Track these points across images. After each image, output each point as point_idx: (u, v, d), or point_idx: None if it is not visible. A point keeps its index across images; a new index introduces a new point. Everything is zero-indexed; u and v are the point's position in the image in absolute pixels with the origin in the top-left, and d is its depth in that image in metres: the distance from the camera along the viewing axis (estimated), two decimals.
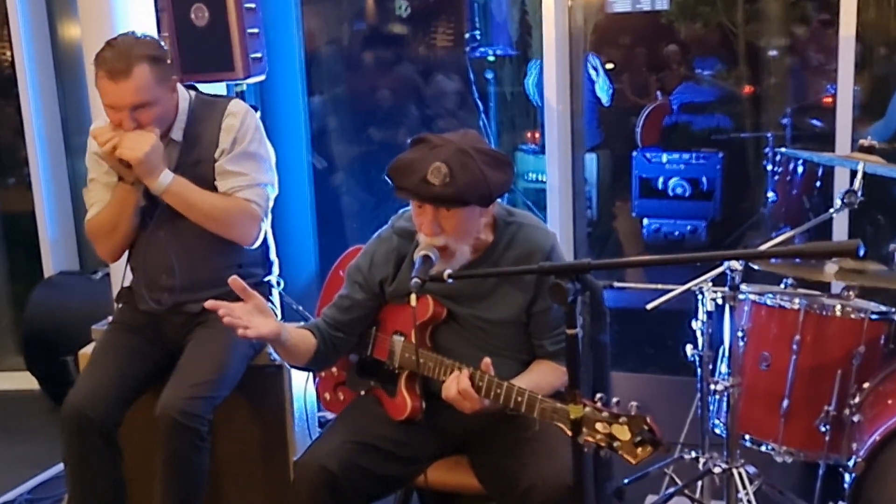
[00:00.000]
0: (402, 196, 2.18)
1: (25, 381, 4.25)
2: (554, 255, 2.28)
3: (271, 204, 2.72)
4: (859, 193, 2.65)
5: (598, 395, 1.84)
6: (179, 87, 2.65)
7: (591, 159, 4.72)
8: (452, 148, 2.10)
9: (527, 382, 2.11)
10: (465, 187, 2.08)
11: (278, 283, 2.90)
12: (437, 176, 2.06)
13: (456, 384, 2.09)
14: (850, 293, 2.70)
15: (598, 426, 1.79)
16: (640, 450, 1.75)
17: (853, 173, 2.72)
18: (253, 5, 3.30)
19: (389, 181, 2.18)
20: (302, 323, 2.41)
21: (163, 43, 2.56)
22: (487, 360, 2.10)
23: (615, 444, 1.77)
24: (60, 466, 3.39)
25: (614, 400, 1.81)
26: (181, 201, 2.56)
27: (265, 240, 2.82)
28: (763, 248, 2.65)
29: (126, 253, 2.75)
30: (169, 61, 2.56)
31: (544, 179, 4.30)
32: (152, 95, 2.47)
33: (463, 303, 2.28)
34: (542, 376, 2.24)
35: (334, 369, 2.54)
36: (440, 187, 2.07)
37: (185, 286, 2.66)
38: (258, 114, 3.61)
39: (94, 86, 2.49)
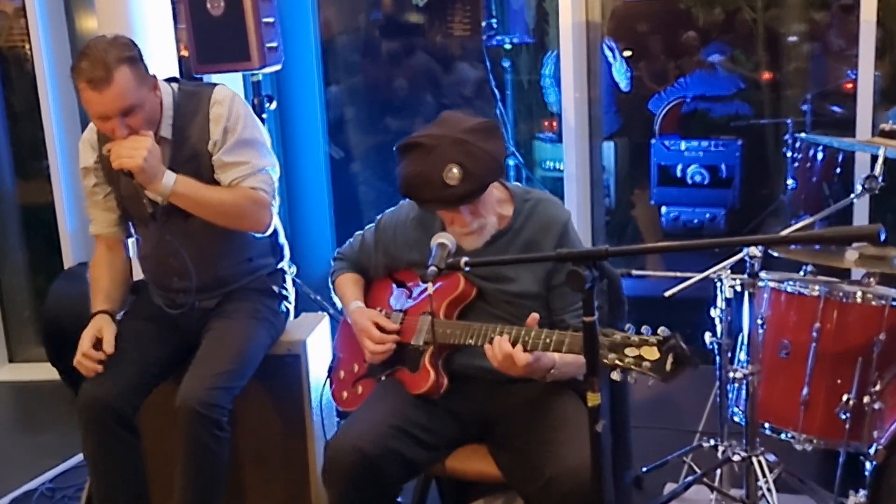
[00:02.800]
0: (430, 208, 2.25)
1: (46, 371, 4.27)
2: (569, 228, 2.33)
3: (276, 186, 2.69)
4: (880, 178, 2.62)
5: (627, 326, 1.82)
6: (161, 82, 2.58)
7: (608, 147, 4.69)
8: (447, 142, 2.14)
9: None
10: (481, 174, 2.13)
11: (290, 267, 2.90)
12: (452, 177, 2.11)
13: (499, 349, 2.07)
14: (871, 280, 2.68)
15: (628, 350, 1.77)
16: (669, 368, 1.72)
17: (874, 158, 2.69)
18: None
19: (410, 199, 2.25)
20: (358, 303, 2.48)
21: (134, 41, 2.49)
22: (535, 314, 2.10)
23: (644, 364, 1.74)
24: (81, 456, 3.41)
25: (644, 327, 1.79)
26: (189, 201, 2.52)
27: (274, 230, 2.80)
28: (783, 233, 2.62)
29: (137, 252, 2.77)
30: (144, 67, 2.48)
31: (561, 168, 4.28)
32: (137, 98, 2.41)
33: (487, 278, 2.32)
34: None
35: (355, 365, 2.53)
36: (461, 186, 2.12)
37: (197, 287, 2.65)
38: (274, 104, 3.64)
39: (77, 91, 2.41)
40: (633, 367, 1.77)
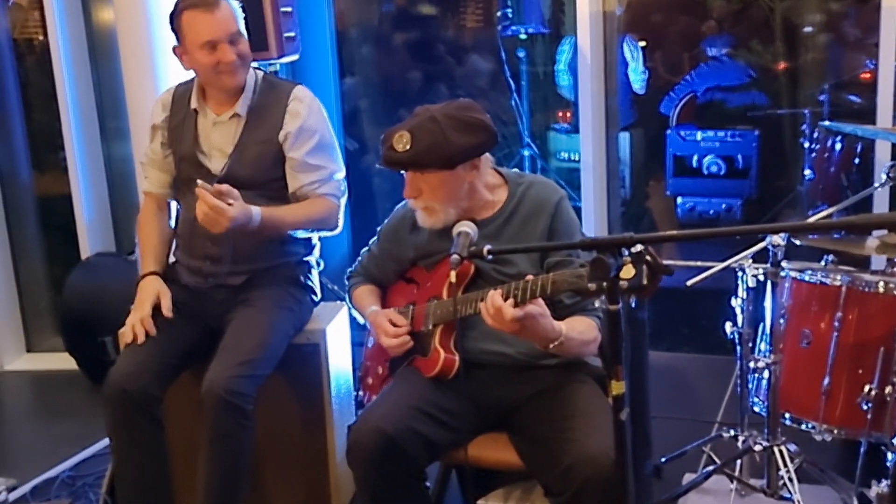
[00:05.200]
0: (381, 164, 2.34)
1: (64, 361, 4.30)
2: (561, 207, 2.37)
3: (345, 186, 2.80)
4: None
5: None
6: None
7: (624, 138, 4.67)
8: (425, 116, 2.26)
9: (565, 323, 2.18)
10: (423, 151, 2.24)
11: (318, 264, 2.91)
12: (400, 142, 2.24)
13: (490, 305, 2.09)
14: (894, 269, 2.66)
15: None
16: (646, 280, 1.69)
17: None
18: None
19: None
20: (374, 307, 2.54)
21: None
22: (529, 276, 2.11)
23: (622, 284, 1.72)
24: (101, 444, 3.44)
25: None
26: (273, 228, 2.63)
27: None
28: (809, 220, 2.60)
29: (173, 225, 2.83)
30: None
31: (576, 158, 4.27)
32: (241, 26, 2.58)
33: (484, 259, 2.31)
34: (574, 322, 2.26)
35: (379, 368, 2.56)
36: (401, 153, 2.24)
37: (229, 256, 2.68)
38: None
39: (182, 27, 2.54)
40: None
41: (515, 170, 2.51)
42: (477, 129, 2.27)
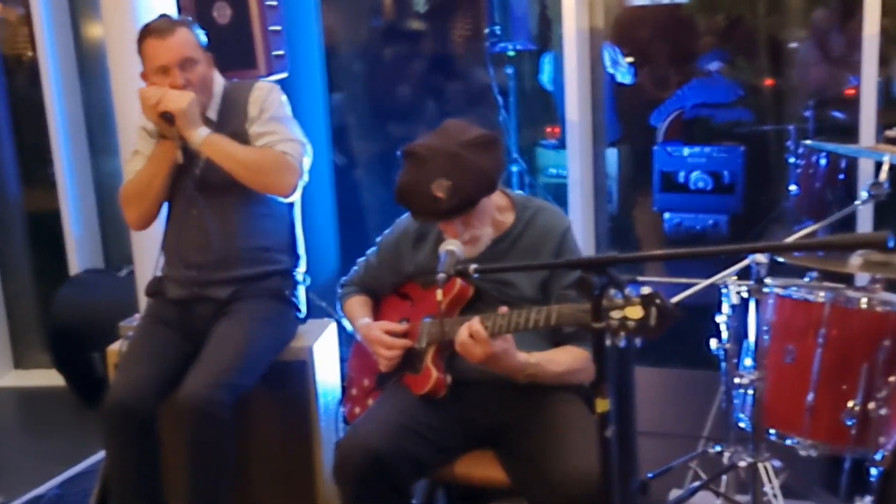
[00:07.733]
0: (422, 220, 2.30)
1: (52, 378, 4.29)
2: (568, 236, 2.37)
3: (307, 163, 2.76)
4: (886, 185, 2.64)
5: (613, 292, 1.81)
6: (215, 72, 2.78)
7: (611, 153, 4.70)
8: (442, 155, 2.18)
9: (544, 356, 2.21)
10: (471, 188, 2.18)
11: (304, 279, 2.92)
12: (441, 191, 2.16)
13: (467, 328, 2.12)
14: (877, 286, 2.68)
15: (613, 313, 1.76)
16: (654, 323, 1.72)
17: (878, 165, 2.70)
18: (275, 3, 3.32)
19: (403, 207, 2.29)
20: (366, 320, 2.52)
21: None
22: (503, 307, 2.13)
23: (629, 324, 1.74)
24: (89, 462, 3.44)
25: (627, 289, 1.77)
26: (219, 151, 2.63)
27: (293, 231, 2.87)
28: (789, 240, 2.63)
29: (161, 239, 2.83)
30: (205, 39, 2.75)
31: (564, 174, 4.29)
32: (195, 53, 2.66)
33: (487, 281, 2.34)
34: (560, 352, 2.28)
35: (365, 380, 2.56)
36: (449, 200, 2.16)
37: (213, 262, 2.71)
38: None
39: (142, 54, 2.64)
40: (618, 329, 1.75)
41: (520, 192, 2.50)
42: (493, 144, 2.25)
